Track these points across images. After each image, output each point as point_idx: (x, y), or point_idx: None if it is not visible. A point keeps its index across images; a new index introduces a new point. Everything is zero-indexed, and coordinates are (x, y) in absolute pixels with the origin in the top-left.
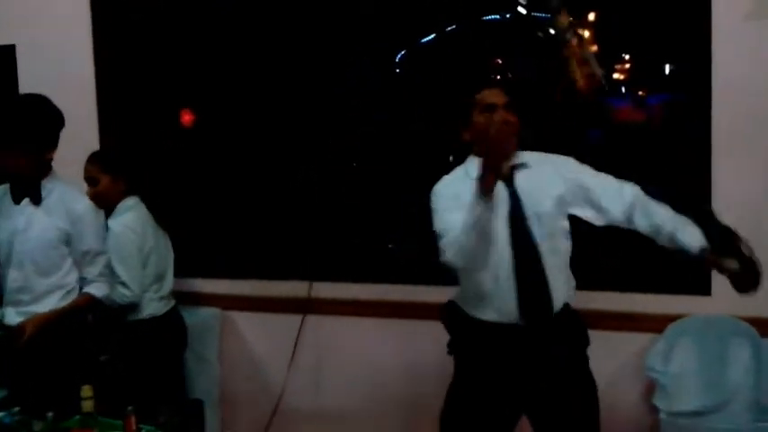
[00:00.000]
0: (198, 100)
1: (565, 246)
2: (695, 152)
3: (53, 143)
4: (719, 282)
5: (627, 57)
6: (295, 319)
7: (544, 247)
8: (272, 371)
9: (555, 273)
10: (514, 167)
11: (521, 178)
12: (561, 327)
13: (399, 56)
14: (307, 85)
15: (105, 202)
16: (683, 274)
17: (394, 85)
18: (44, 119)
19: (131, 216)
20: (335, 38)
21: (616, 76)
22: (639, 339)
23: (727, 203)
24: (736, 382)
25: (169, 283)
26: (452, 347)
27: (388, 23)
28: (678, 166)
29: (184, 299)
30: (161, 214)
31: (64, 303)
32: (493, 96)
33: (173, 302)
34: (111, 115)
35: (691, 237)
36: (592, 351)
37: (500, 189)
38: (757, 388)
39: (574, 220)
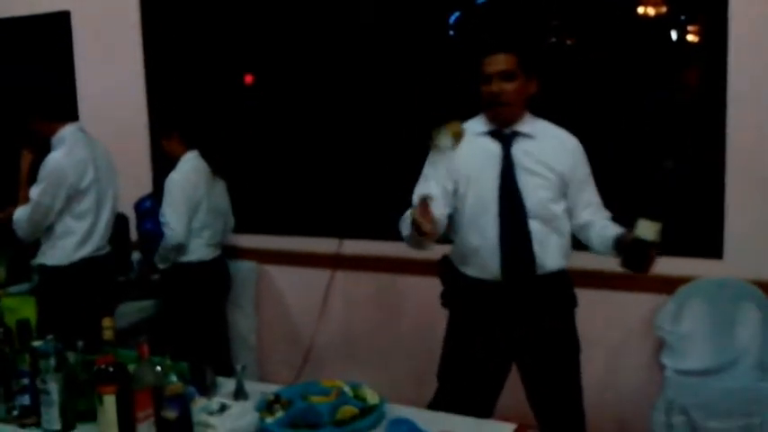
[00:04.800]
0: (243, 61)
1: (558, 216)
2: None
3: None
4: (731, 246)
5: None
6: (325, 274)
7: (535, 213)
8: (304, 320)
9: (544, 239)
10: (516, 133)
11: (522, 146)
12: (546, 288)
13: (453, 18)
14: (348, 49)
15: (172, 158)
16: (696, 237)
17: (440, 48)
18: None
19: (187, 167)
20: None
21: None
22: (651, 300)
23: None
24: (744, 343)
25: (219, 232)
26: (445, 299)
27: None
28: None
29: (224, 252)
30: (219, 167)
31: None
32: (491, 65)
33: (219, 251)
34: (159, 79)
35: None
36: (604, 309)
37: (497, 150)
38: (764, 348)
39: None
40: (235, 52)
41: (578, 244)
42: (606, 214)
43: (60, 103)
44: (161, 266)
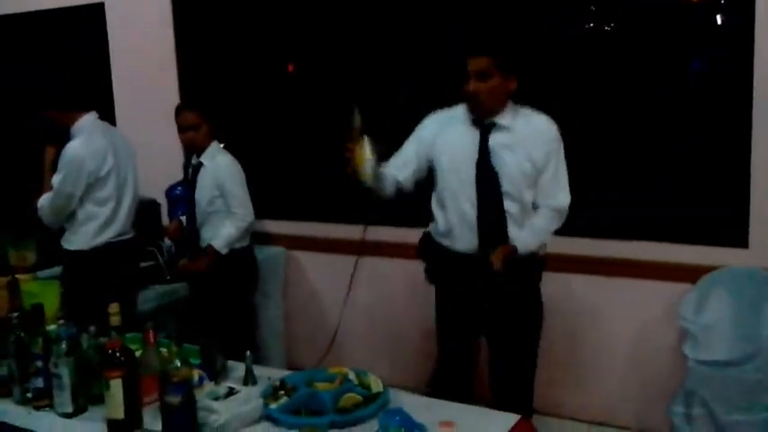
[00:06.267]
0: (275, 49)
1: (529, 200)
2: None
3: None
4: (756, 234)
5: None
6: (351, 260)
7: (511, 196)
8: (330, 305)
9: (519, 219)
10: (494, 125)
11: (499, 137)
12: (517, 264)
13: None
14: (376, 38)
15: (198, 146)
16: (720, 225)
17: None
18: None
19: (226, 156)
20: None
21: None
22: (675, 289)
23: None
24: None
25: None
26: (429, 275)
27: None
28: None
29: (254, 238)
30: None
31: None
32: (470, 65)
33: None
34: (190, 69)
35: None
36: (627, 298)
37: (475, 138)
38: None
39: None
40: (267, 41)
41: (604, 232)
42: (546, 204)
43: (77, 94)
44: (224, 252)
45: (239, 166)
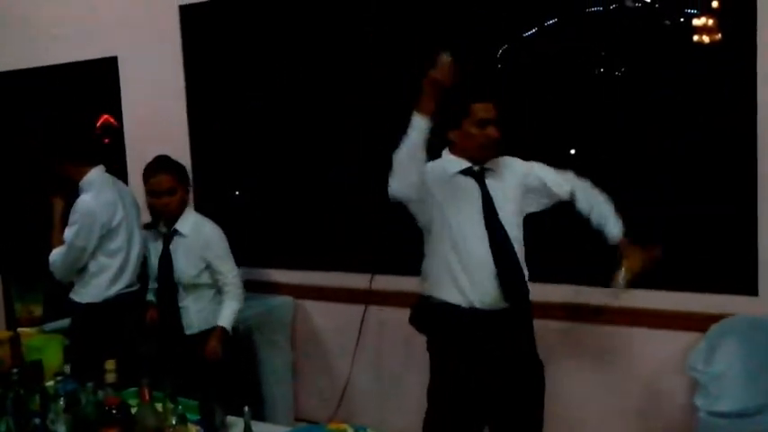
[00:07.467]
0: (285, 101)
1: (521, 238)
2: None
3: None
4: (767, 282)
5: None
6: (359, 309)
7: (514, 237)
8: (339, 355)
9: (522, 260)
10: (485, 170)
11: (490, 180)
12: (527, 311)
13: (500, 50)
14: (380, 83)
15: (171, 213)
16: (729, 272)
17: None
18: None
19: (209, 221)
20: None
21: None
22: (684, 338)
23: None
24: None
25: None
26: (432, 345)
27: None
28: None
29: (262, 287)
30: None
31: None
32: (486, 111)
33: None
34: (201, 121)
35: (614, 227)
36: (637, 348)
37: (473, 187)
38: None
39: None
40: (279, 93)
41: (609, 280)
42: (578, 186)
43: (88, 147)
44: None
45: (222, 232)
